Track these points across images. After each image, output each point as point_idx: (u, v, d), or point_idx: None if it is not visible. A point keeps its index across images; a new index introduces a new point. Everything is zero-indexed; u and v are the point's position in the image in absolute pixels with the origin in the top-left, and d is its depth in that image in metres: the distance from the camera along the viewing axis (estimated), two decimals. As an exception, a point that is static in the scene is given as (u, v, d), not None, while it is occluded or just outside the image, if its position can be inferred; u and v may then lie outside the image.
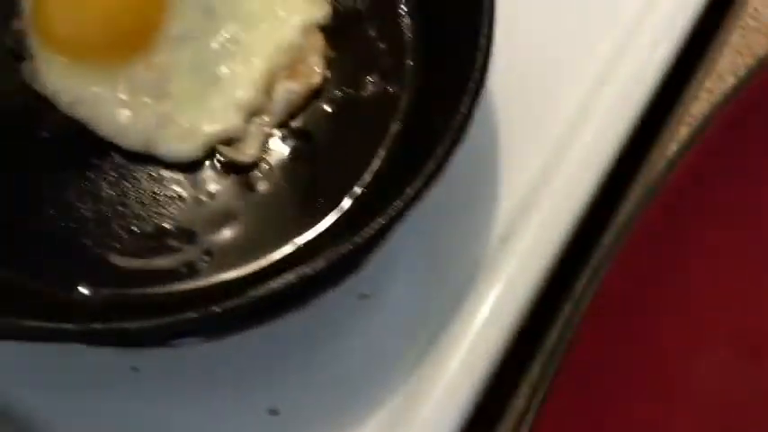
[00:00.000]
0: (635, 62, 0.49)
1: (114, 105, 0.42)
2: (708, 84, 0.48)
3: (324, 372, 0.42)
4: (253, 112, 0.43)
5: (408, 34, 0.46)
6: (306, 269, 0.36)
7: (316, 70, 0.44)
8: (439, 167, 0.37)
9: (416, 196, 0.36)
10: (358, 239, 0.36)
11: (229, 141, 0.42)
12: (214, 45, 0.43)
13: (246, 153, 0.42)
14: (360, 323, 0.43)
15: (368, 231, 0.36)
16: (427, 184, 0.37)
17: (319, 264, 0.36)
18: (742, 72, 0.47)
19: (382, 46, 0.46)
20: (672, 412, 0.38)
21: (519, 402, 0.42)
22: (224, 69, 0.43)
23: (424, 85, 0.44)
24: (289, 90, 0.43)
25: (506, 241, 0.44)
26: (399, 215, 0.36)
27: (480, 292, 0.43)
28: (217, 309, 0.34)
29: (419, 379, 0.41)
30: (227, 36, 0.43)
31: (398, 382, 0.41)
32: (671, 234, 0.41)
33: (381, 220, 0.36)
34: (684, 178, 0.41)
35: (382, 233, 0.36)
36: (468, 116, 0.38)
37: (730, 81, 0.47)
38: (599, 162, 0.46)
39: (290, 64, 0.44)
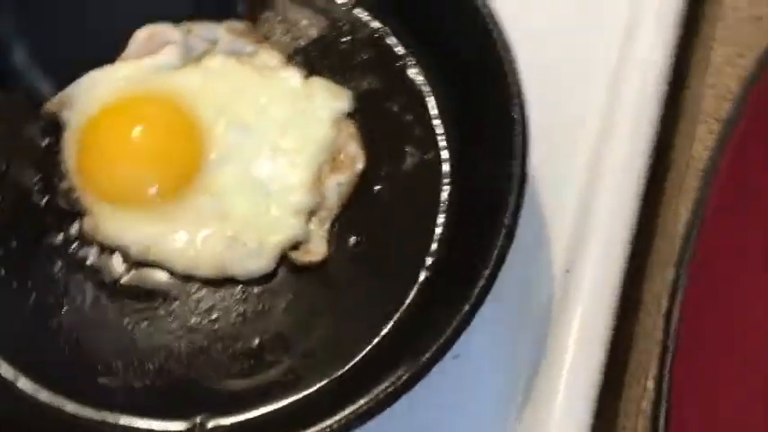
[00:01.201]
0: (638, 72, 0.51)
1: (180, 241, 0.43)
2: (709, 80, 0.51)
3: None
4: (310, 213, 0.44)
5: (430, 101, 0.48)
6: (407, 370, 0.37)
7: (356, 157, 0.46)
8: (510, 237, 0.39)
9: (493, 275, 0.38)
10: (451, 326, 0.38)
11: (297, 245, 0.44)
12: (257, 157, 0.45)
13: (315, 252, 0.44)
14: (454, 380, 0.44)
15: (460, 315, 0.38)
16: (502, 256, 0.39)
17: (418, 363, 0.37)
18: (737, 62, 0.50)
19: (409, 117, 0.48)
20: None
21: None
22: (273, 179, 0.44)
23: (461, 147, 0.46)
24: (337, 182, 0.45)
25: (571, 271, 0.47)
26: (486, 290, 0.38)
27: (560, 322, 0.45)
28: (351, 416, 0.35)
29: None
30: (267, 146, 0.45)
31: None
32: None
33: (469, 305, 0.38)
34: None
35: (475, 309, 0.38)
36: (524, 177, 0.40)
37: (729, 72, 0.51)
38: (629, 178, 0.48)
39: (331, 157, 0.46)
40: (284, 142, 0.45)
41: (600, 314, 0.45)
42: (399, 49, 0.49)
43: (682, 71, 0.54)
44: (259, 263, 0.43)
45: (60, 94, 0.45)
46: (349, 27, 0.50)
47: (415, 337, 0.40)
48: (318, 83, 0.47)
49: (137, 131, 0.44)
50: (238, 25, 0.48)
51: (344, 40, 0.49)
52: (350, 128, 0.47)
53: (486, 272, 0.38)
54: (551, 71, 0.50)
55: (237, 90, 0.46)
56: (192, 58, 0.47)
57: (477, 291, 0.38)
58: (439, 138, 0.47)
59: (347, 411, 0.37)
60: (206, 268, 0.43)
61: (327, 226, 0.45)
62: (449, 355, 0.44)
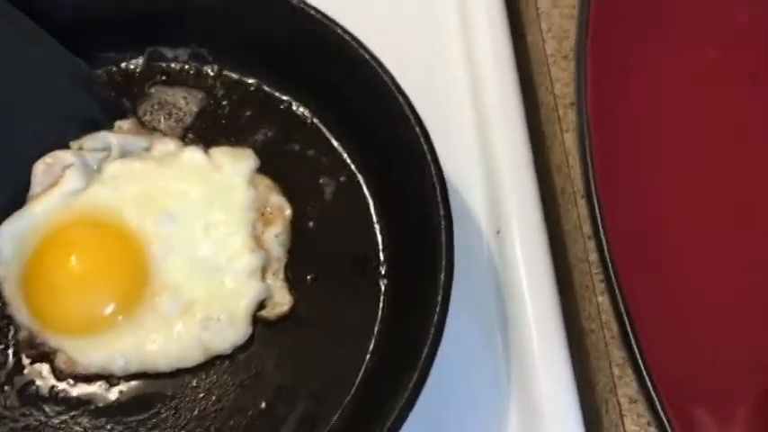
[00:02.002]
0: (484, 36, 0.57)
1: (157, 343, 0.44)
2: (544, 25, 0.57)
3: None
4: (263, 270, 0.47)
5: (325, 130, 0.51)
6: (411, 374, 0.41)
7: (281, 205, 0.49)
8: (450, 223, 0.43)
9: (450, 261, 0.43)
10: (434, 317, 0.41)
11: (263, 304, 0.46)
12: (194, 240, 0.47)
13: (281, 303, 0.46)
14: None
15: (440, 304, 0.42)
16: (451, 241, 0.43)
17: (418, 364, 0.41)
18: (562, 1, 0.57)
19: (311, 152, 0.51)
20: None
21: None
22: (216, 253, 0.46)
23: (370, 159, 0.50)
24: (274, 234, 0.48)
25: (501, 230, 0.52)
26: (450, 278, 0.42)
27: (508, 269, 0.50)
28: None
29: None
30: (199, 226, 0.47)
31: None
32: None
33: (442, 293, 0.42)
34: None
35: (448, 294, 0.42)
36: (440, 171, 0.45)
37: (556, 13, 0.57)
38: (515, 131, 0.54)
39: (260, 213, 0.48)
40: (213, 216, 0.47)
41: (537, 257, 0.50)
42: (279, 94, 0.52)
43: (518, 24, 0.60)
44: (236, 332, 0.45)
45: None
46: (224, 91, 0.52)
47: (403, 342, 0.43)
48: (220, 152, 0.49)
49: (77, 261, 0.44)
50: (125, 124, 0.50)
51: (225, 103, 0.52)
52: (265, 181, 0.49)
53: (444, 262, 0.42)
54: (411, 58, 0.54)
55: (149, 186, 0.47)
56: (93, 172, 0.48)
57: (443, 280, 0.42)
58: (346, 159, 0.50)
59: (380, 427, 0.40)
60: (191, 357, 0.44)
61: (282, 275, 0.47)
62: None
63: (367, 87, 0.48)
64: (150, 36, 0.52)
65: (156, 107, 0.52)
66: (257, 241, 0.47)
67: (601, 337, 0.48)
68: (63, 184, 0.46)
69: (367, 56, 0.47)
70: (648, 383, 0.41)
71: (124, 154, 0.49)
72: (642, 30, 0.53)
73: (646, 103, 0.51)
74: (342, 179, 0.50)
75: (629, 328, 0.43)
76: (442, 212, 0.43)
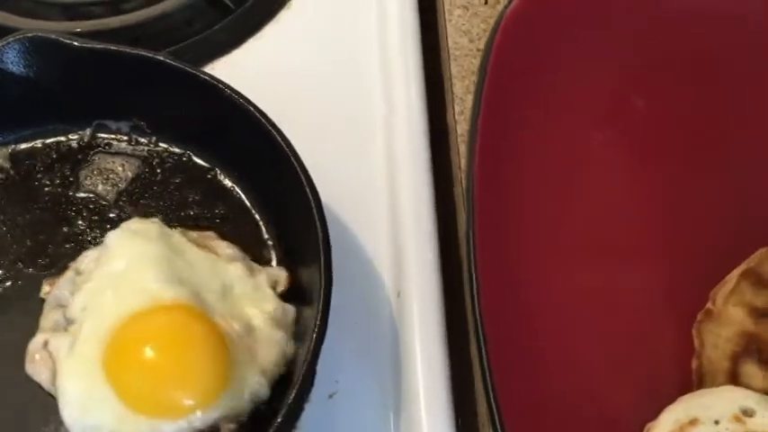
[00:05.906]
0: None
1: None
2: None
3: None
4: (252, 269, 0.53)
5: (244, 200, 0.57)
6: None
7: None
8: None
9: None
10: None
11: (275, 285, 0.53)
12: (210, 281, 0.52)
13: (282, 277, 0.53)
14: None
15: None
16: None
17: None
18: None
19: (231, 215, 0.57)
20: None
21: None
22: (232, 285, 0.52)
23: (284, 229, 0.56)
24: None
25: (401, 293, 0.56)
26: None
27: (404, 329, 0.55)
28: None
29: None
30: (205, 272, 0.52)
31: None
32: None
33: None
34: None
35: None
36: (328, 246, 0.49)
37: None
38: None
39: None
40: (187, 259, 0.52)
41: (432, 320, 0.55)
42: (205, 164, 0.58)
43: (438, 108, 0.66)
44: (289, 313, 0.52)
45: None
46: (159, 160, 0.58)
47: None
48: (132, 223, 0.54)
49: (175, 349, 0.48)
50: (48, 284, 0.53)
51: (158, 171, 0.58)
52: (208, 236, 0.55)
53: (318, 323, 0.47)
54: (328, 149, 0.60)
55: (125, 281, 0.50)
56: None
57: (312, 344, 0.46)
58: (259, 221, 0.56)
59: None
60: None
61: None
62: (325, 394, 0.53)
63: (274, 159, 0.53)
64: (96, 110, 0.59)
65: (95, 172, 0.58)
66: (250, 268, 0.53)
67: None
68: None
69: (270, 127, 0.52)
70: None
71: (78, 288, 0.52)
72: (535, 116, 0.59)
73: (534, 179, 0.57)
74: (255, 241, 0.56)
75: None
76: (323, 276, 0.48)
